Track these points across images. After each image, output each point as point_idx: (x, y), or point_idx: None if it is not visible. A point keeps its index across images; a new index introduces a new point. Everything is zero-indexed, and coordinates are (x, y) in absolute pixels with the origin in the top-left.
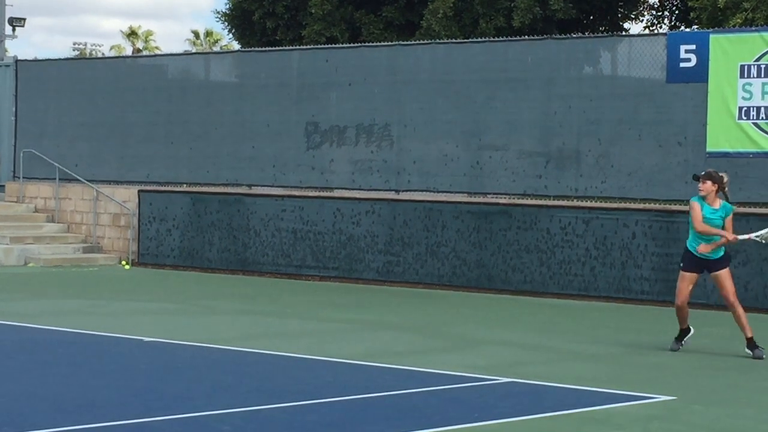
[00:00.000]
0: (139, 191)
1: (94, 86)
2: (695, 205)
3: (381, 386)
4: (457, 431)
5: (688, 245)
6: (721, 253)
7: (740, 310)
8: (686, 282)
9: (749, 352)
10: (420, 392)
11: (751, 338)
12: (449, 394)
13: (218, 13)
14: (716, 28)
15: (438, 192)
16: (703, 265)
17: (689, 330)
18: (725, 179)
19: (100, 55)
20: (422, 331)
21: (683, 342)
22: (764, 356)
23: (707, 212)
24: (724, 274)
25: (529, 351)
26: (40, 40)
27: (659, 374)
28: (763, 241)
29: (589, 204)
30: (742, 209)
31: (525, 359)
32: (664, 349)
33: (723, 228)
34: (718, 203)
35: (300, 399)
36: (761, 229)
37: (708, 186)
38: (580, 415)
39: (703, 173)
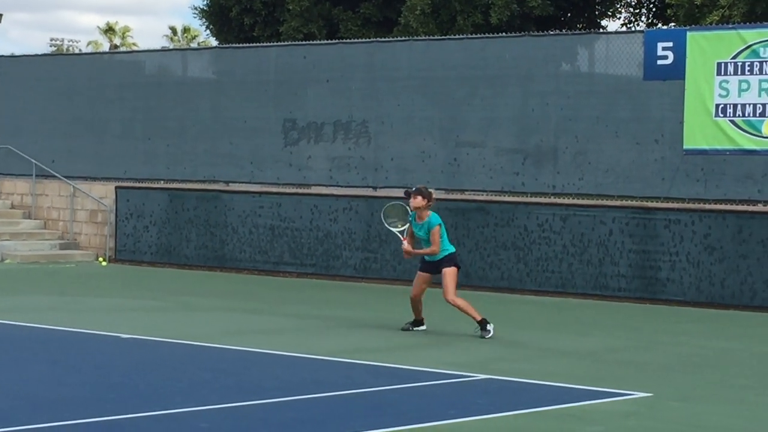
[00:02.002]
0: (116, 188)
1: (71, 82)
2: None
3: (358, 383)
4: (434, 428)
5: (452, 249)
6: (441, 256)
7: (460, 302)
8: (419, 280)
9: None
10: (397, 389)
11: (483, 320)
12: (426, 390)
13: (196, 9)
14: (693, 26)
15: None
16: (433, 267)
17: (422, 323)
18: (433, 195)
19: (77, 51)
20: (399, 328)
21: (413, 328)
22: (487, 336)
23: (415, 229)
24: (446, 272)
25: (506, 348)
26: (17, 36)
27: (636, 371)
28: (394, 230)
29: (566, 201)
30: (718, 206)
31: (502, 356)
32: (641, 346)
33: (429, 239)
34: (426, 217)
35: (277, 396)
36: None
37: (418, 201)
38: (557, 412)
39: (414, 189)
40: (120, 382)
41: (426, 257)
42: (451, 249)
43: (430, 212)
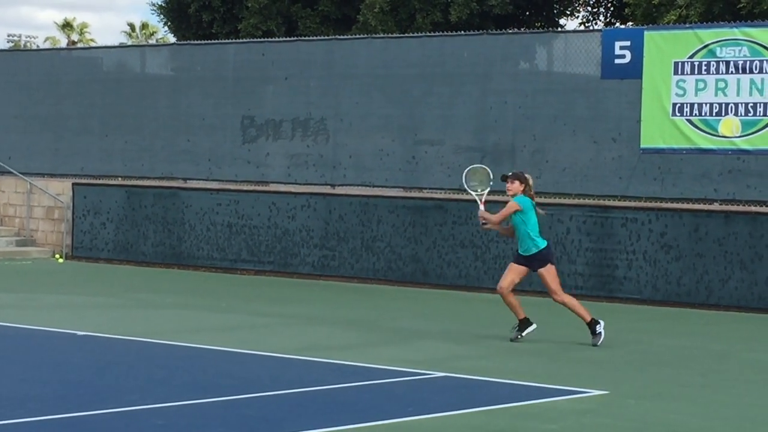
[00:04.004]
0: (73, 184)
1: (28, 78)
2: (521, 205)
3: (316, 380)
4: (391, 425)
5: (544, 243)
6: (533, 252)
7: (567, 299)
8: (510, 271)
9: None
10: (355, 386)
11: (592, 320)
12: (384, 388)
13: (154, 5)
14: (651, 25)
15: (374, 186)
16: (526, 261)
17: (529, 322)
18: (530, 181)
19: (34, 47)
20: (357, 326)
21: (522, 335)
22: (597, 342)
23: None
24: (543, 273)
25: (463, 345)
26: None
27: (593, 369)
28: (474, 193)
29: None
30: (674, 205)
31: (460, 354)
32: (598, 345)
33: (524, 221)
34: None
35: (234, 393)
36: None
37: (516, 186)
38: (514, 410)
39: (510, 174)
40: (76, 380)
41: (519, 251)
42: (543, 243)
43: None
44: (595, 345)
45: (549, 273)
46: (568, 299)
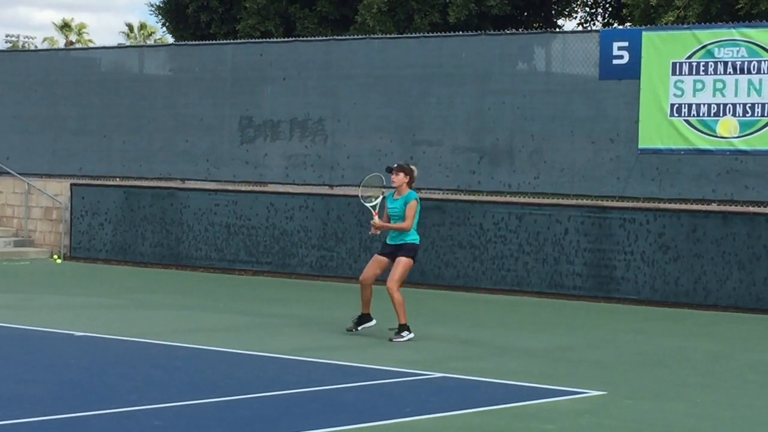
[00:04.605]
0: (71, 185)
1: (26, 79)
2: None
3: (314, 381)
4: (389, 426)
5: (418, 240)
6: (404, 241)
7: (397, 296)
8: (374, 263)
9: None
10: (352, 387)
11: (405, 325)
12: (382, 389)
13: (152, 6)
14: (649, 26)
15: (371, 187)
16: (393, 251)
17: (370, 318)
18: (415, 173)
19: (33, 47)
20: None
21: (358, 329)
22: (398, 340)
23: (390, 205)
24: (400, 261)
25: (461, 346)
26: None
27: (590, 369)
28: (368, 204)
29: (522, 200)
30: (672, 205)
31: (457, 354)
32: (596, 344)
33: (404, 214)
34: (404, 192)
35: (232, 394)
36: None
37: (400, 178)
38: (511, 410)
39: (396, 165)
40: (74, 380)
41: (388, 240)
42: (417, 239)
43: (409, 189)
44: (390, 340)
45: (405, 265)
46: (397, 296)
